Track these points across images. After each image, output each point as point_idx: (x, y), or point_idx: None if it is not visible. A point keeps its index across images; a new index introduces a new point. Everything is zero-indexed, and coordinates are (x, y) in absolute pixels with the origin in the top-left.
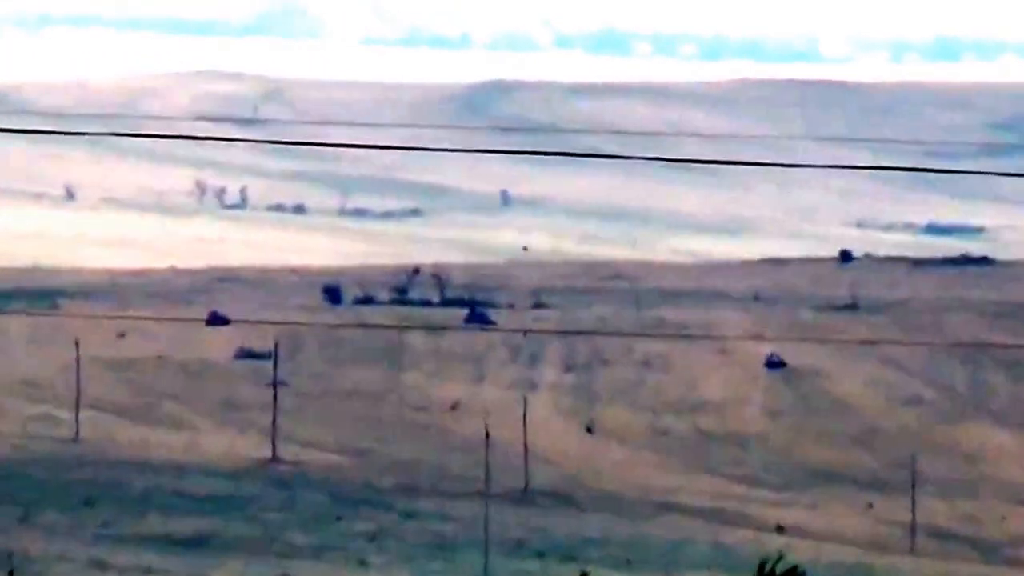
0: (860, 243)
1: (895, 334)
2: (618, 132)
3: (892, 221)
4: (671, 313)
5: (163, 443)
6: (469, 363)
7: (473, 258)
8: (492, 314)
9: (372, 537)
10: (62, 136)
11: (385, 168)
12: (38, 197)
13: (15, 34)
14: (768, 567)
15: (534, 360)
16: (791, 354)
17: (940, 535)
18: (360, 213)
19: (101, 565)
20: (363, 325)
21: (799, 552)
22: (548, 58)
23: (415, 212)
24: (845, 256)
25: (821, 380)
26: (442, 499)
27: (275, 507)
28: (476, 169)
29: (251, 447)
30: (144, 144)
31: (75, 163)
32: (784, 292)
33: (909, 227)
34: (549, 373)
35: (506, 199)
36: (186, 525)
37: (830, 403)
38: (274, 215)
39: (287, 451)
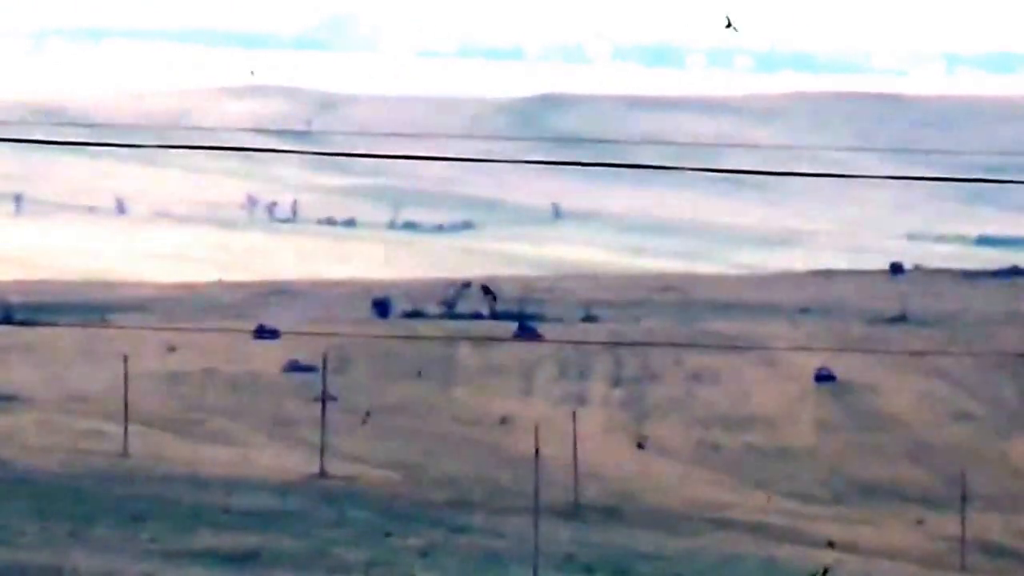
0: (911, 255)
1: (945, 347)
2: (670, 144)
3: (943, 233)
4: (721, 326)
5: (212, 458)
6: (518, 377)
7: (524, 271)
8: (542, 327)
9: (422, 553)
10: (114, 149)
11: (437, 181)
12: (89, 211)
13: (69, 47)
14: None
15: (584, 374)
16: (841, 367)
17: (991, 551)
18: (411, 226)
19: None
20: (412, 338)
21: (849, 568)
22: (602, 71)
23: (466, 225)
24: (896, 268)
25: (871, 394)
26: (492, 514)
27: (324, 523)
28: (528, 182)
29: (300, 462)
30: (195, 158)
31: (126, 177)
32: (834, 305)
33: (960, 239)
34: (598, 387)
35: (558, 212)
36: (235, 541)
37: (880, 417)
38: (325, 228)
39: (336, 466)
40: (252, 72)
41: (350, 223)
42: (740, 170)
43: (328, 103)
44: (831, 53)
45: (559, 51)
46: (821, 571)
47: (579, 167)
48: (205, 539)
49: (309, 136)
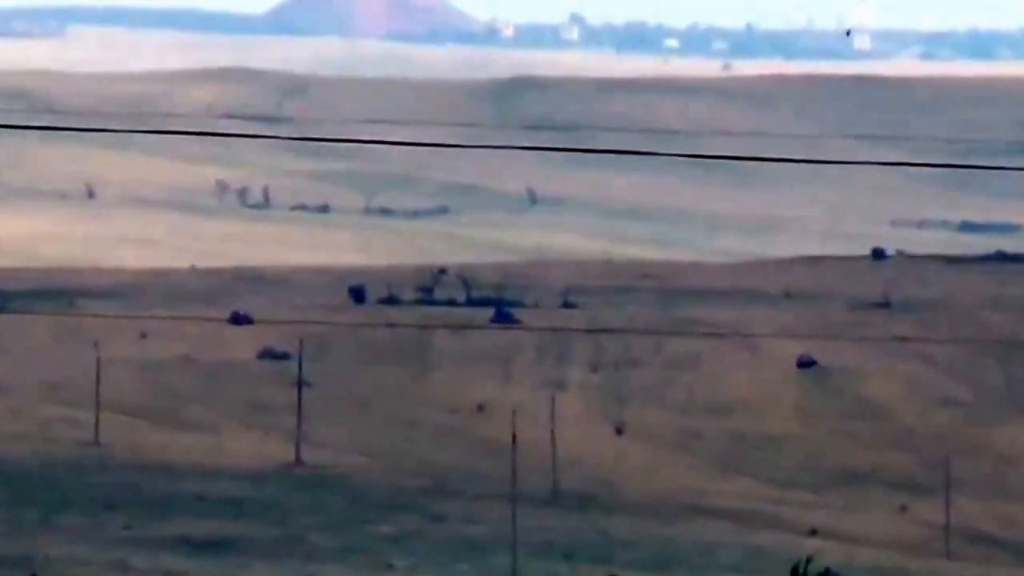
0: (893, 241)
1: (929, 333)
2: (647, 130)
3: (926, 219)
4: (701, 312)
5: (185, 446)
6: (496, 363)
7: (501, 257)
8: (519, 314)
9: (398, 540)
10: (82, 134)
11: (410, 167)
12: (58, 196)
13: (36, 31)
14: (800, 571)
15: (562, 360)
16: (823, 353)
17: (976, 538)
18: (385, 212)
19: (122, 568)
20: (388, 325)
21: (832, 555)
22: (576, 54)
23: (442, 210)
24: (878, 254)
25: (854, 380)
26: (469, 501)
27: (299, 510)
28: (503, 167)
29: (275, 449)
30: (165, 142)
31: (96, 162)
32: (816, 291)
33: (943, 225)
34: (577, 373)
35: (534, 198)
36: (208, 528)
37: (863, 403)
38: (297, 214)
39: (311, 453)
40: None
41: (323, 209)
42: (719, 156)
43: (298, 87)
44: (809, 36)
45: (531, 35)
46: (804, 560)
47: (555, 152)
48: (178, 527)
49: (280, 121)
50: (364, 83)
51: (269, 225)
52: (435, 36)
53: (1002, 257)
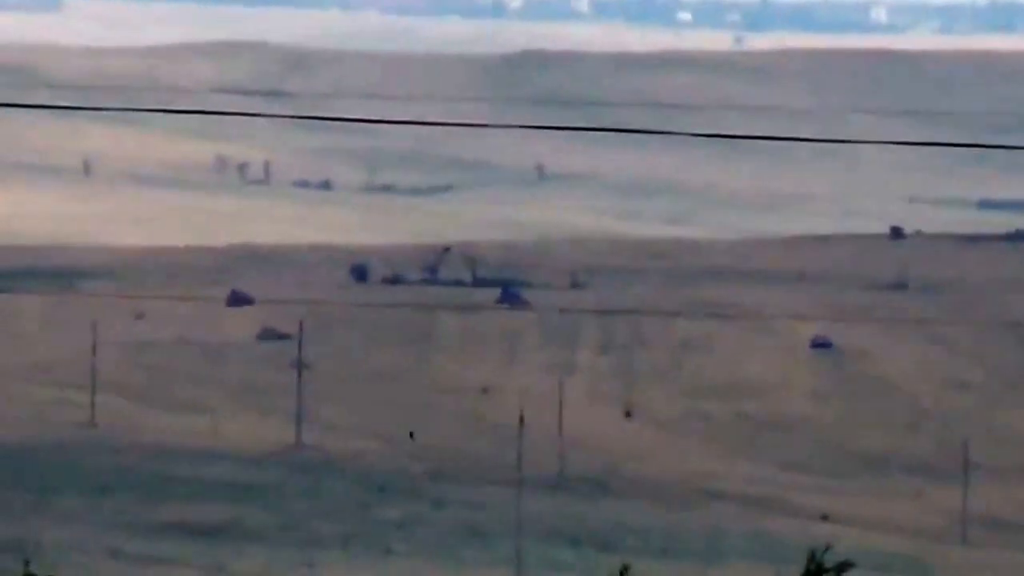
0: (911, 219)
1: (946, 314)
2: (659, 105)
3: (944, 196)
4: (713, 292)
5: (182, 428)
6: (502, 345)
7: (507, 236)
8: (526, 294)
9: (400, 525)
10: (78, 109)
11: (415, 142)
12: (54, 172)
13: (31, 3)
14: (816, 559)
15: (570, 342)
16: (838, 335)
17: (993, 524)
18: (388, 189)
19: (117, 554)
20: (391, 305)
21: (846, 542)
22: (586, 27)
23: (446, 188)
24: (895, 233)
25: (869, 362)
26: (473, 486)
27: (299, 494)
28: (511, 143)
29: (274, 432)
30: (163, 117)
31: (92, 137)
32: (831, 270)
33: (961, 203)
34: (585, 355)
35: (542, 174)
36: (206, 513)
37: (878, 386)
38: (299, 191)
39: (312, 436)
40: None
41: (325, 185)
42: (733, 135)
43: (300, 61)
44: (825, 8)
45: (540, 7)
46: (823, 548)
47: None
48: (174, 512)
49: (281, 95)
50: (367, 57)
51: (269, 201)
52: (439, 8)
53: (1022, 236)
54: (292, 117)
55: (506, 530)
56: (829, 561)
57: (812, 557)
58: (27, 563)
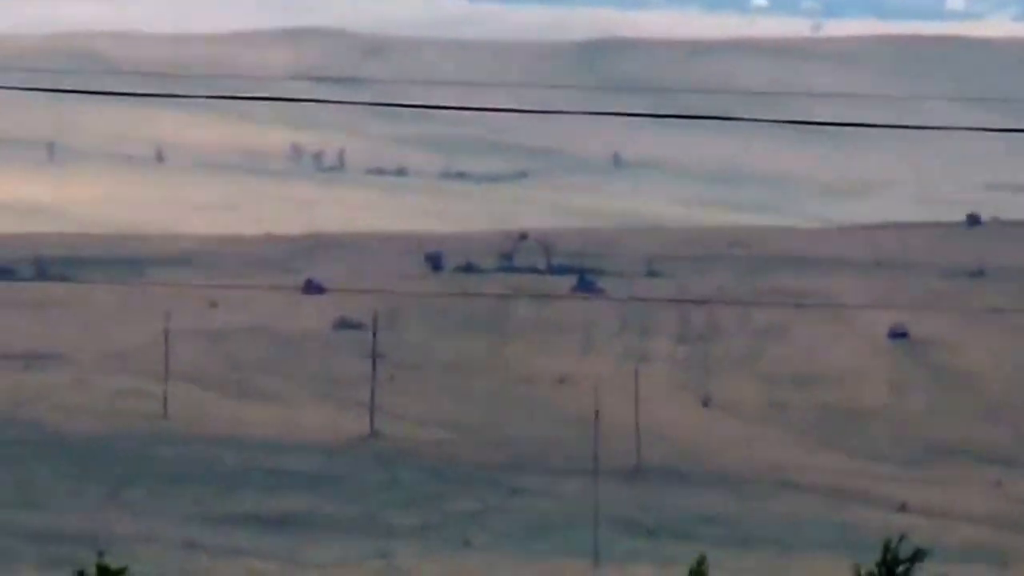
0: (988, 206)
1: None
2: (735, 92)
3: (1021, 183)
4: (790, 281)
5: (256, 418)
6: (578, 334)
7: (583, 223)
8: (602, 282)
9: (476, 516)
10: (152, 96)
11: (491, 130)
12: (127, 160)
13: None
14: (892, 549)
15: (646, 331)
16: (915, 324)
17: None
18: (464, 176)
19: (191, 545)
20: (466, 294)
21: (922, 532)
22: (660, 15)
23: (522, 175)
24: (972, 220)
25: (946, 351)
26: (549, 476)
27: (374, 485)
28: (586, 130)
29: (349, 422)
30: (237, 104)
31: (165, 125)
32: (908, 258)
33: None
34: (662, 344)
35: (618, 161)
36: (280, 504)
37: (956, 375)
38: (373, 178)
39: (387, 426)
40: None
41: (400, 172)
42: (809, 121)
43: (376, 48)
44: None
45: None
46: (899, 537)
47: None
48: (249, 503)
49: (357, 82)
50: (444, 44)
51: (344, 189)
52: None
53: None
54: (369, 104)
55: (583, 520)
56: (905, 551)
57: (887, 547)
58: (100, 554)
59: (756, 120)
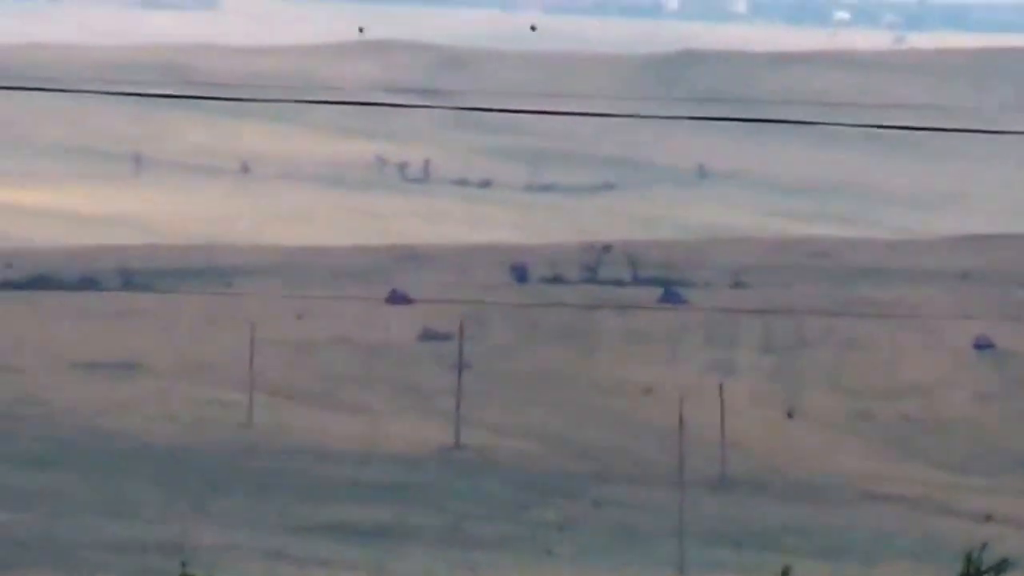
0: None
1: None
2: (819, 104)
3: None
4: (875, 292)
5: (341, 429)
6: (663, 345)
7: (668, 235)
8: (687, 294)
9: (561, 527)
10: (237, 109)
11: (575, 141)
12: (211, 172)
13: (188, 3)
14: (974, 560)
15: (731, 342)
16: (1001, 335)
17: None
18: (549, 188)
19: (277, 556)
20: (551, 304)
21: (1010, 543)
22: (743, 27)
23: (607, 186)
24: None
25: None
26: (635, 487)
27: (459, 496)
28: (671, 142)
29: (434, 433)
30: (321, 116)
31: (250, 136)
32: (994, 270)
33: None
34: (747, 355)
35: (703, 173)
36: (366, 515)
37: None
38: (458, 190)
39: (472, 437)
40: (361, 29)
41: (485, 184)
42: (895, 126)
43: (454, 60)
44: (984, 9)
45: (698, 7)
46: (980, 547)
47: (726, 125)
48: (334, 513)
49: (439, 95)
50: (525, 56)
51: (429, 200)
52: (599, 8)
53: None
54: (453, 108)
55: (668, 531)
56: (989, 561)
57: (969, 558)
58: (184, 564)
59: (838, 124)
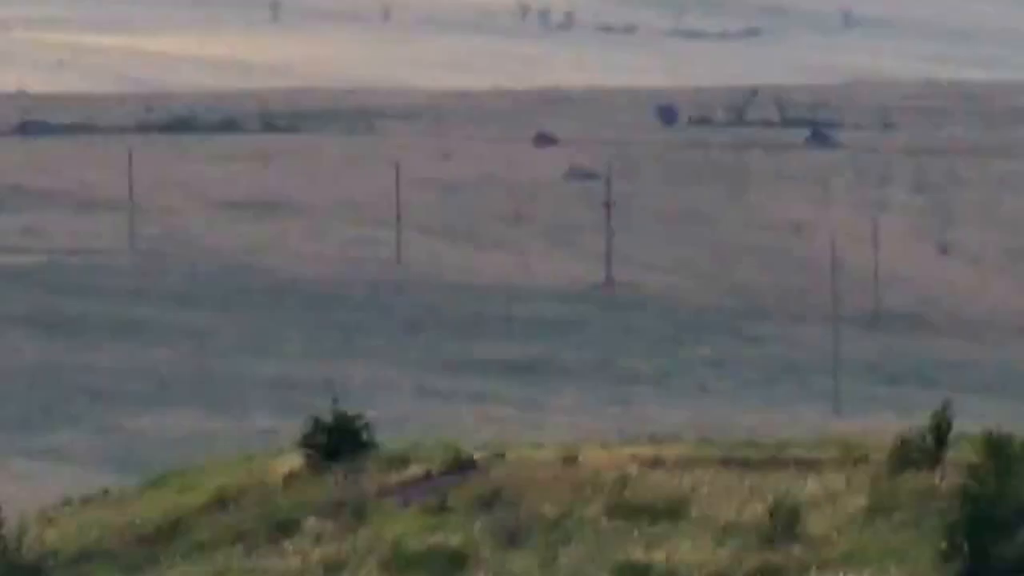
0: None
1: None
2: None
3: None
4: None
5: (490, 266)
6: (813, 184)
7: (815, 80)
8: (836, 134)
9: (714, 363)
10: None
11: None
12: (352, 17)
13: None
14: None
15: (883, 181)
16: None
17: None
18: (694, 34)
19: (427, 392)
20: (699, 144)
21: None
22: None
23: (752, 32)
24: None
25: None
26: (788, 323)
27: (610, 332)
28: None
29: (584, 270)
30: None
31: None
32: None
33: None
34: (899, 194)
35: (848, 19)
36: (517, 351)
37: None
38: (602, 35)
39: (622, 273)
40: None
41: (630, 30)
42: None
43: None
44: None
45: None
46: None
47: None
48: (485, 349)
49: None
50: None
51: (573, 47)
52: None
53: None
54: None
55: (823, 367)
56: None
57: None
58: (335, 400)
59: None
